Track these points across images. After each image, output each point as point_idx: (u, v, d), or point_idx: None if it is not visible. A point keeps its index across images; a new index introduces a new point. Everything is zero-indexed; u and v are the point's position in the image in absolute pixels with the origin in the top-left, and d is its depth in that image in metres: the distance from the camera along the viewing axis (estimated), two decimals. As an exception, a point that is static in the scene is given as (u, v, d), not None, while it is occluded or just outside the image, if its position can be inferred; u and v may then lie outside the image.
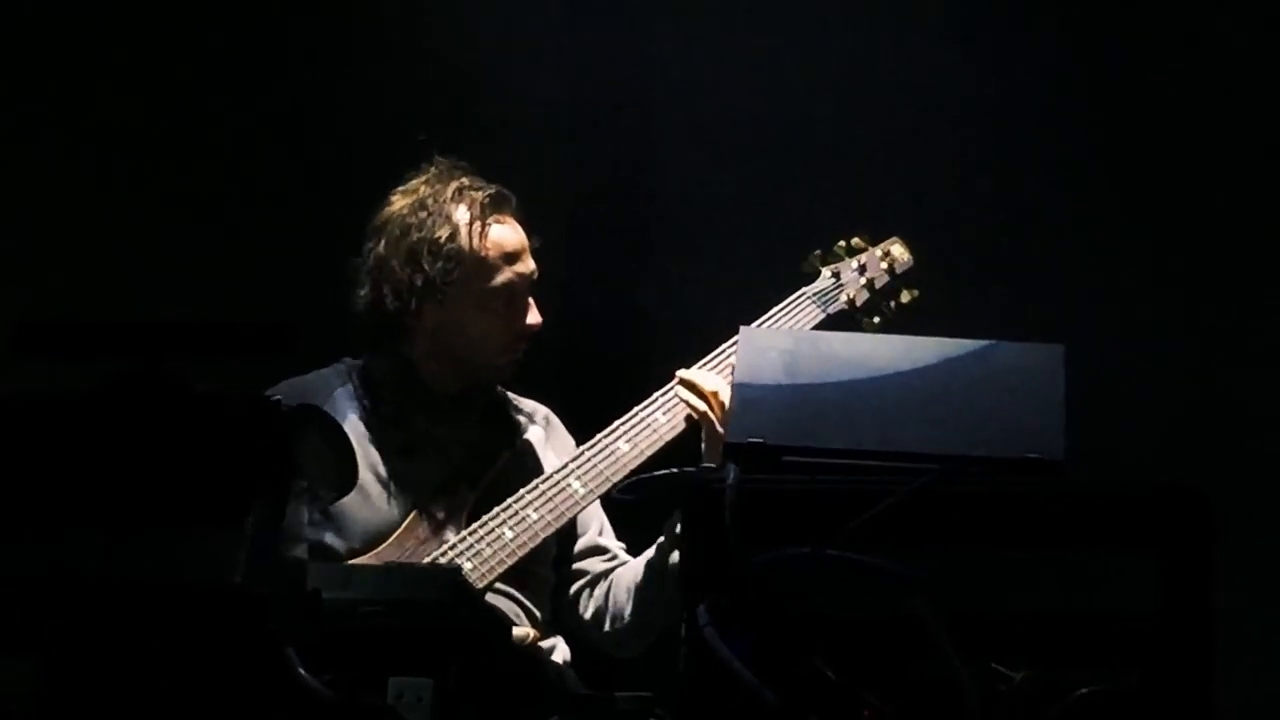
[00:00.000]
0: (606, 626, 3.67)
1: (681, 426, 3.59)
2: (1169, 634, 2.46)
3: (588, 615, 3.68)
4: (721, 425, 3.42)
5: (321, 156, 4.47)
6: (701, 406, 3.50)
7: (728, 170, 4.56)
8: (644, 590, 3.62)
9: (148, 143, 4.48)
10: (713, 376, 3.54)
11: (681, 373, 3.57)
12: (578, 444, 3.67)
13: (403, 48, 4.53)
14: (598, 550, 3.71)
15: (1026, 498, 2.54)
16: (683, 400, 3.54)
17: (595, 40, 4.61)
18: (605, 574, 3.69)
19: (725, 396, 3.44)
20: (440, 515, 3.55)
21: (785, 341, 2.86)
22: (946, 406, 2.68)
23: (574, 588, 3.69)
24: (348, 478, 2.57)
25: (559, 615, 3.68)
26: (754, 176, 4.55)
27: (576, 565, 3.70)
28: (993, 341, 2.75)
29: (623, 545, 3.74)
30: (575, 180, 4.65)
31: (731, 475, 2.51)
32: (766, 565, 2.46)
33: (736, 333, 3.25)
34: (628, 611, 3.64)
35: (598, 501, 3.63)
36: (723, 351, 3.59)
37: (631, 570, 3.67)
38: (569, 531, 3.66)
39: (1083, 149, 4.49)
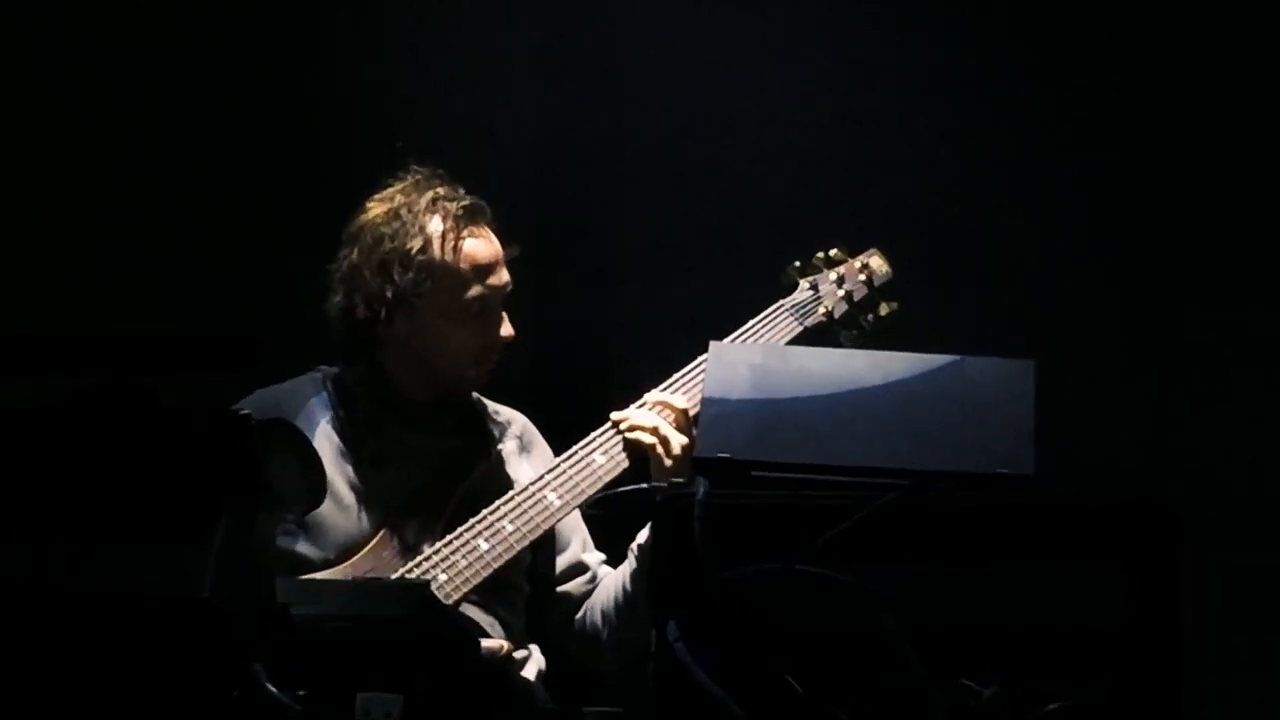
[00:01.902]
0: (592, 651, 3.67)
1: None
2: (1137, 647, 2.47)
3: (574, 647, 3.68)
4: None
5: (299, 162, 4.47)
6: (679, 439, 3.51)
7: (701, 182, 4.55)
8: (619, 620, 3.62)
9: (120, 149, 4.47)
10: (681, 399, 3.55)
11: (650, 395, 3.58)
12: (555, 454, 3.66)
13: (379, 60, 4.52)
14: (579, 569, 3.70)
15: (996, 513, 2.54)
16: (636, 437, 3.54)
17: (563, 59, 4.61)
18: (586, 596, 3.69)
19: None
20: (415, 526, 3.53)
21: (755, 356, 2.86)
22: (917, 422, 2.68)
23: (559, 614, 3.68)
24: (316, 491, 2.57)
25: (545, 636, 3.68)
26: (728, 190, 4.54)
27: (561, 588, 3.69)
28: (963, 356, 2.75)
29: (602, 556, 3.73)
30: (546, 191, 4.64)
31: (701, 490, 2.51)
32: (736, 580, 2.46)
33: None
34: (605, 636, 3.65)
35: (577, 513, 3.62)
36: (689, 371, 3.59)
37: (605, 594, 3.66)
38: (546, 541, 3.65)
39: (1056, 165, 4.49)
